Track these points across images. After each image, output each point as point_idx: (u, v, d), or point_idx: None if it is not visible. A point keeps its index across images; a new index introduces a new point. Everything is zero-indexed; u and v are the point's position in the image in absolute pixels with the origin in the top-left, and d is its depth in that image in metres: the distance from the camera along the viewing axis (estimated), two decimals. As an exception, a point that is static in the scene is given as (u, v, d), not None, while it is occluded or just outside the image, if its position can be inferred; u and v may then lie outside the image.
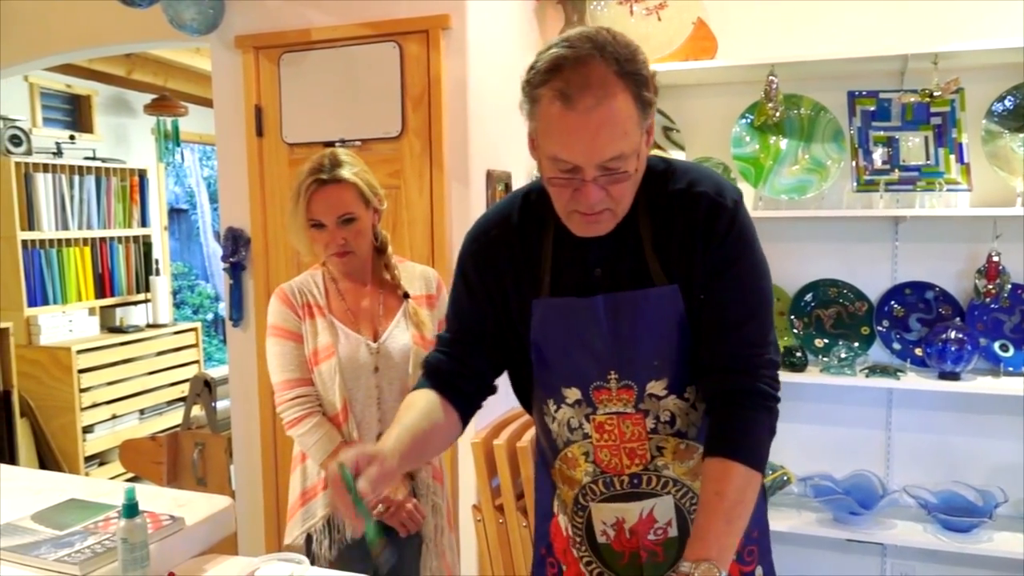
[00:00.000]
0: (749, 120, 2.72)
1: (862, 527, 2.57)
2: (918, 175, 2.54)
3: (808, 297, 2.78)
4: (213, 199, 7.72)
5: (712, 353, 1.23)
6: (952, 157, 2.52)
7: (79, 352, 4.34)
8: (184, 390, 4.42)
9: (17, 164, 4.27)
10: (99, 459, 4.52)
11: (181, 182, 7.85)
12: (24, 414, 4.28)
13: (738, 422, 1.21)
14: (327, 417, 1.85)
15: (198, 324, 5.32)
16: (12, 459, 4.06)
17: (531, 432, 2.48)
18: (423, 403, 1.32)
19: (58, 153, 4.62)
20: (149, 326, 4.99)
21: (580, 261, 1.26)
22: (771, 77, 2.56)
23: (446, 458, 2.43)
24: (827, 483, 2.68)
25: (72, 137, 4.82)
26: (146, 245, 5.13)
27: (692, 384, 1.27)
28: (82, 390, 4.36)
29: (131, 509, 1.33)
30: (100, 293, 4.80)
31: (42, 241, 4.44)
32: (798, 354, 2.66)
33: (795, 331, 2.78)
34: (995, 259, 2.49)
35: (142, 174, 5.09)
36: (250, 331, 2.77)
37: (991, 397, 2.58)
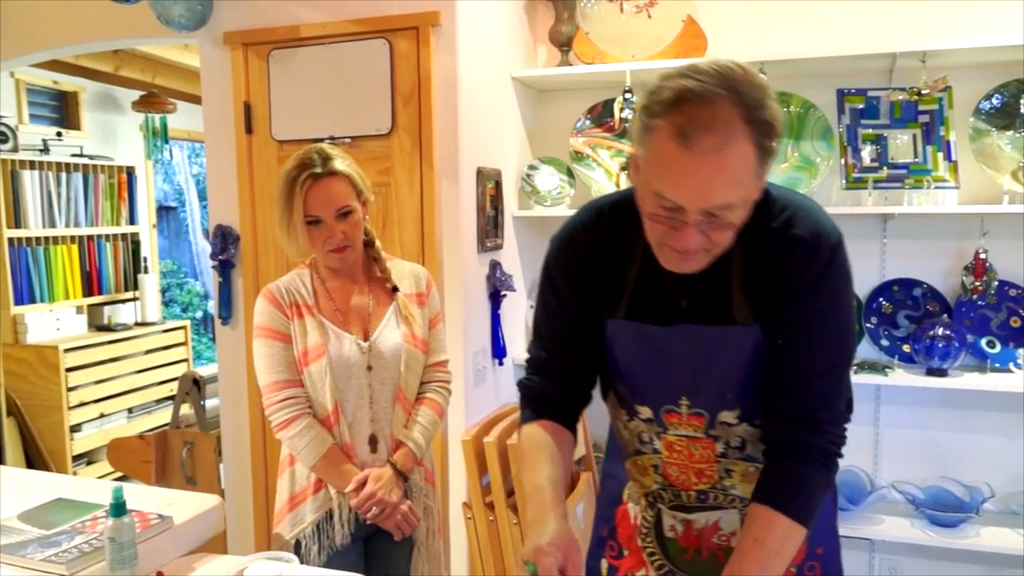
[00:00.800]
0: (739, 118, 2.72)
1: (850, 522, 2.58)
2: (906, 173, 2.55)
3: (797, 294, 2.79)
4: (202, 196, 7.68)
5: (781, 399, 1.20)
6: (940, 155, 2.53)
7: (66, 351, 4.32)
8: (173, 388, 4.40)
9: (3, 161, 4.23)
10: (87, 458, 4.49)
11: (170, 179, 7.81)
12: (11, 413, 4.25)
13: (793, 475, 1.18)
14: (317, 419, 1.81)
15: (187, 322, 5.30)
16: (-1, 458, 4.04)
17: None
18: (547, 446, 1.28)
19: (45, 150, 4.58)
20: (137, 324, 4.96)
21: (666, 289, 1.22)
22: (761, 75, 2.56)
23: (436, 456, 2.43)
24: (816, 479, 2.69)
25: (59, 134, 4.78)
26: (134, 243, 5.10)
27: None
28: (69, 389, 4.33)
29: (118, 508, 1.33)
30: (88, 291, 4.76)
31: (29, 239, 4.40)
32: (787, 351, 2.66)
33: (784, 328, 2.78)
34: (982, 256, 2.51)
35: (130, 171, 5.06)
36: (239, 329, 2.76)
37: (978, 393, 2.59)
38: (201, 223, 7.72)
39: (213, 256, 2.75)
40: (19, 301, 4.34)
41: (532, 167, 2.94)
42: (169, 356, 5.05)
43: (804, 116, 2.68)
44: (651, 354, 1.24)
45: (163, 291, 6.52)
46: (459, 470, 2.52)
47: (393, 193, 2.50)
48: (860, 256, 2.74)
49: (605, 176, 2.86)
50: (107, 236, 4.90)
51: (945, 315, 2.63)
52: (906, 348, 2.64)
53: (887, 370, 2.56)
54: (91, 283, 4.79)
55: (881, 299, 2.71)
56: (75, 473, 4.32)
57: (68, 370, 4.32)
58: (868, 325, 2.72)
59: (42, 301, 4.47)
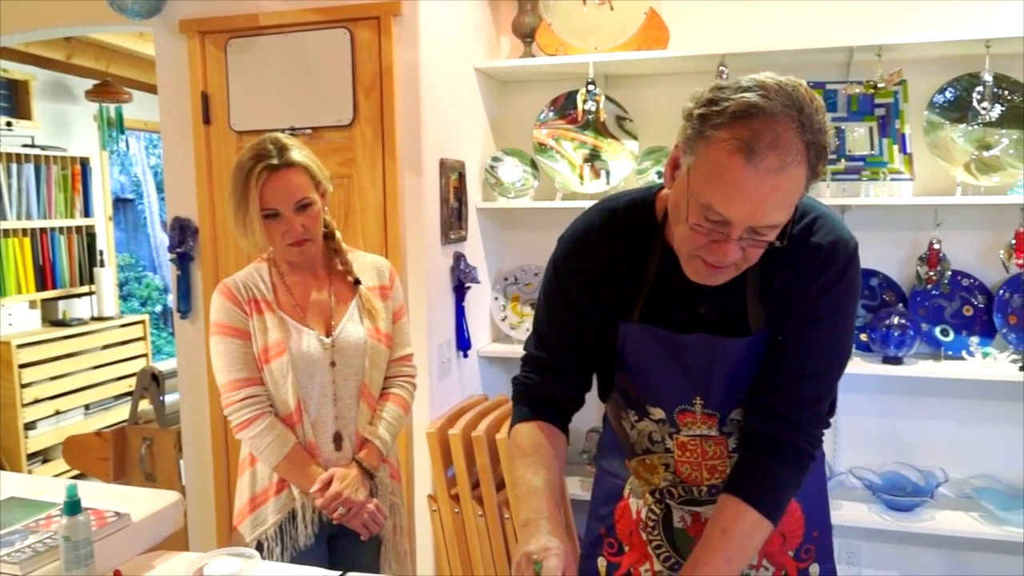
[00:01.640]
0: (700, 110, 2.75)
1: (810, 509, 2.63)
2: (863, 165, 2.59)
3: (758, 285, 2.83)
4: (160, 188, 7.53)
5: (770, 395, 1.21)
6: (895, 147, 2.58)
7: (19, 346, 4.21)
8: (131, 384, 4.31)
9: (-49, 152, 4.11)
10: (42, 456, 4.39)
11: (127, 171, 7.64)
12: (-38, 411, 4.14)
13: (768, 470, 1.20)
14: (279, 418, 1.76)
15: (145, 317, 5.20)
16: (-50, 458, 3.93)
17: (486, 421, 2.48)
18: (545, 448, 1.28)
19: (-6, 140, 4.45)
20: (94, 319, 4.86)
21: (684, 294, 1.21)
22: (721, 68, 2.58)
23: (401, 449, 2.42)
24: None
25: (9, 124, 4.64)
26: (90, 236, 4.98)
27: None
28: (23, 385, 4.23)
29: (73, 506, 1.30)
30: (41, 285, 4.65)
31: (-22, 232, 4.29)
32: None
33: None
34: (936, 247, 2.56)
35: (84, 162, 4.94)
36: (199, 323, 2.71)
37: (932, 380, 2.65)
38: (159, 215, 7.58)
39: (171, 249, 2.70)
40: (-31, 296, 4.23)
41: (496, 159, 2.93)
42: (127, 351, 4.95)
43: (764, 108, 2.70)
44: (667, 357, 1.24)
45: (120, 285, 6.39)
46: (424, 463, 2.52)
47: (355, 185, 2.48)
48: (819, 247, 2.77)
49: (568, 168, 2.87)
50: (61, 229, 4.78)
51: (901, 304, 2.68)
52: (863, 337, 2.69)
53: (845, 359, 2.61)
54: (44, 277, 4.67)
55: (839, 289, 2.75)
56: (30, 472, 4.22)
57: (21, 366, 4.22)
58: (827, 315, 2.76)
59: (-7, 296, 4.36)
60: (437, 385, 2.58)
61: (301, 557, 1.76)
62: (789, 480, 1.21)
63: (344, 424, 1.81)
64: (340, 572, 1.45)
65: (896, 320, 2.57)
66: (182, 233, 2.68)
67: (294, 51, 2.48)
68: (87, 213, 4.96)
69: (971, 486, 2.63)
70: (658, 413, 1.30)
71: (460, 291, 2.74)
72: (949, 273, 2.59)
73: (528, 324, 2.86)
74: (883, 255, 2.73)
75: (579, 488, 2.79)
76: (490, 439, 2.42)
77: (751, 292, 1.20)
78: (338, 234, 1.89)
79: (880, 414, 2.78)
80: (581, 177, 2.85)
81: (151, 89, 4.97)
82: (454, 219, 2.68)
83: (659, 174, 2.73)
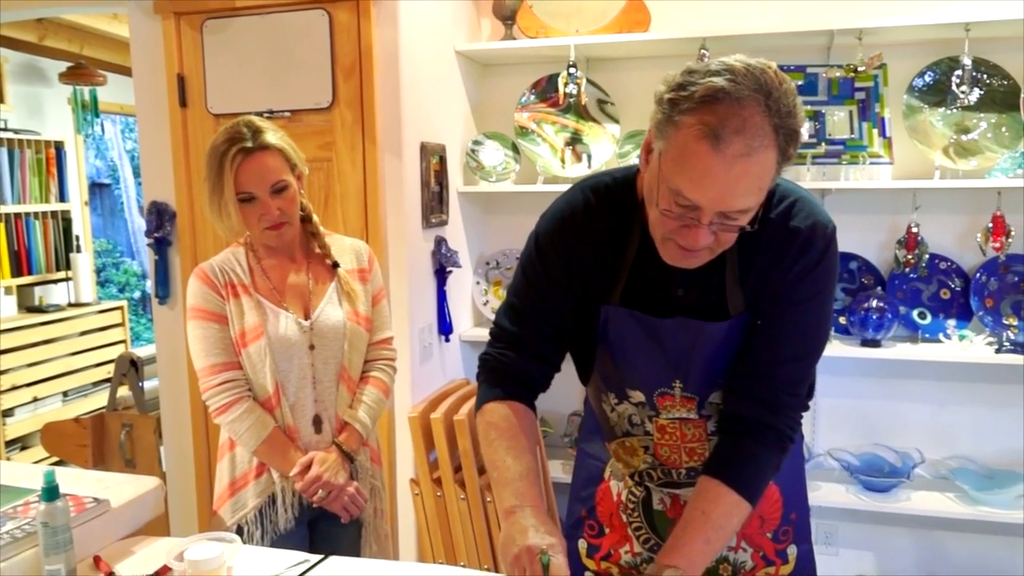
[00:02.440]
0: (681, 93, 2.74)
1: (789, 490, 2.66)
2: (843, 148, 2.61)
3: (738, 268, 2.84)
4: (137, 173, 7.43)
5: (750, 379, 1.22)
6: (875, 131, 2.59)
7: (-5, 333, 4.16)
8: (110, 371, 4.27)
9: (-79, 135, 4.03)
10: (21, 443, 4.35)
11: (103, 155, 7.53)
12: (-63, 399, 4.09)
13: (747, 452, 1.20)
14: (258, 402, 1.76)
15: (124, 302, 5.14)
16: (-75, 446, 3.88)
17: (468, 405, 2.48)
18: (525, 430, 1.26)
19: (-35, 124, 4.37)
20: (71, 305, 4.80)
21: (662, 277, 1.21)
22: (702, 51, 2.58)
23: (382, 433, 2.42)
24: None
25: (-19, 107, 4.57)
26: (65, 221, 4.91)
27: None
28: (0, 372, 4.18)
29: (51, 492, 1.29)
30: (16, 271, 4.58)
31: (-49, 217, 4.22)
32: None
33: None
34: (914, 230, 2.59)
35: (59, 146, 4.86)
36: (177, 308, 2.69)
37: (910, 363, 2.68)
38: (137, 200, 7.48)
39: (148, 233, 2.67)
40: (-58, 282, 4.17)
41: (477, 142, 2.92)
42: (105, 337, 4.90)
43: (745, 92, 2.70)
44: (647, 341, 1.24)
45: (98, 271, 6.31)
46: (406, 447, 2.52)
47: (335, 169, 2.46)
48: (799, 230, 2.79)
49: (550, 151, 2.86)
50: (36, 214, 4.71)
51: (879, 288, 2.71)
52: (842, 320, 2.72)
53: (824, 341, 2.63)
54: (20, 263, 4.60)
55: (819, 272, 2.77)
56: (8, 459, 4.17)
57: (-3, 353, 4.17)
58: (806, 298, 2.78)
59: (-33, 282, 4.29)
60: (419, 369, 2.57)
61: (281, 541, 1.76)
62: (768, 462, 1.22)
63: (324, 408, 1.81)
64: (321, 555, 1.45)
65: (874, 303, 2.59)
66: (159, 218, 2.65)
67: (272, 32, 2.45)
68: (62, 198, 4.88)
69: (947, 467, 2.67)
70: (638, 396, 1.30)
71: (441, 275, 2.73)
72: (927, 257, 2.62)
73: (510, 308, 2.85)
74: (862, 239, 2.75)
75: (561, 471, 2.80)
76: (472, 423, 2.42)
77: (730, 276, 1.20)
78: (315, 217, 1.87)
79: (858, 396, 2.81)
80: (563, 161, 2.84)
81: (126, 71, 4.90)
82: (435, 203, 2.66)
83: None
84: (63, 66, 4.75)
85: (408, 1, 2.43)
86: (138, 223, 7.46)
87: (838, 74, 2.59)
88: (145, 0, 2.57)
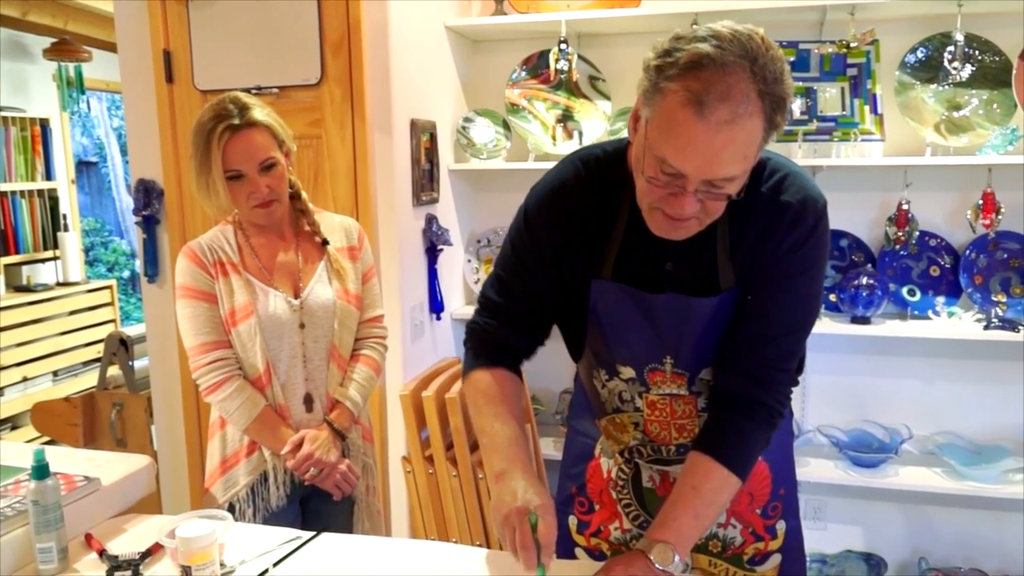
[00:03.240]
0: (673, 70, 2.73)
1: (778, 466, 2.68)
2: (834, 125, 2.60)
3: (729, 246, 2.84)
4: (124, 151, 7.36)
5: (740, 355, 1.21)
6: (867, 108, 2.58)
7: (-17, 312, 4.14)
8: (100, 351, 4.26)
9: (-97, 112, 3.98)
10: (11, 423, 4.34)
11: (89, 133, 7.45)
12: (-75, 379, 4.07)
13: (737, 428, 1.20)
14: (248, 380, 1.75)
15: (112, 282, 5.12)
16: (-86, 426, 3.87)
17: (460, 383, 2.48)
18: (511, 397, 1.28)
19: (-52, 101, 4.32)
20: (59, 284, 4.77)
21: (652, 250, 1.20)
22: (694, 26, 2.55)
23: (374, 411, 2.42)
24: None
25: (-36, 83, 4.50)
26: (52, 199, 4.87)
27: None
28: (-11, 352, 4.17)
29: (41, 470, 1.29)
30: (3, 250, 4.55)
31: (-65, 195, 4.17)
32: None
33: (717, 279, 2.84)
34: (905, 207, 2.59)
35: (44, 124, 4.81)
36: (166, 287, 2.67)
37: (899, 340, 2.70)
38: (124, 179, 7.42)
39: (136, 212, 2.64)
40: (-72, 262, 4.13)
41: (467, 119, 2.90)
42: (95, 317, 4.88)
43: (737, 68, 2.69)
44: (638, 316, 1.24)
45: (86, 250, 6.27)
46: (398, 425, 2.52)
47: (324, 146, 2.44)
48: (790, 208, 2.79)
49: (541, 128, 2.84)
50: (22, 192, 4.67)
51: (869, 265, 2.72)
52: (832, 297, 2.73)
53: (814, 319, 2.64)
54: (7, 242, 4.57)
55: (809, 250, 2.78)
56: (-2, 439, 4.18)
57: (-15, 333, 4.15)
58: (797, 275, 2.78)
59: (-47, 261, 4.26)
60: (410, 347, 2.57)
61: (274, 518, 1.76)
62: (757, 438, 1.22)
63: (314, 386, 1.80)
64: (313, 532, 1.46)
65: (864, 280, 2.60)
66: (147, 196, 2.62)
67: (259, 7, 2.41)
68: (49, 176, 4.84)
69: (934, 442, 2.69)
70: (628, 372, 1.30)
71: (432, 253, 2.72)
72: (917, 234, 2.62)
73: (501, 286, 2.85)
74: (853, 216, 2.75)
75: (552, 448, 2.81)
76: (464, 401, 2.43)
77: (721, 250, 1.19)
78: (304, 194, 1.86)
79: (848, 373, 2.83)
80: (554, 138, 2.82)
81: (111, 47, 4.83)
82: (425, 181, 2.65)
83: (632, 135, 2.71)
84: (47, 42, 4.68)
85: (397, -25, 2.40)
86: (126, 202, 7.39)
87: (830, 50, 2.58)
88: (129, -26, 2.53)
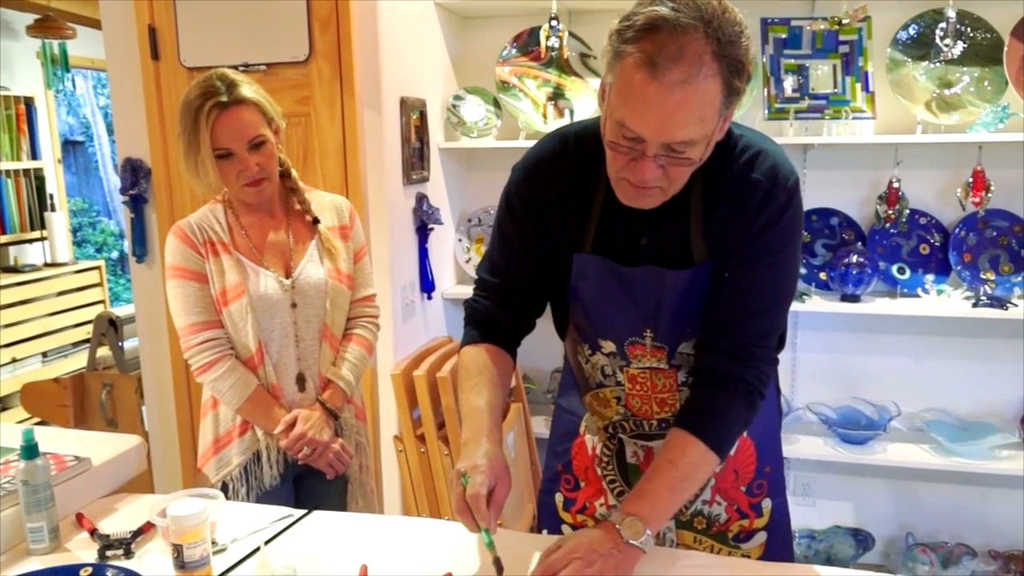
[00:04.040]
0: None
1: (768, 443, 2.70)
2: (826, 103, 2.60)
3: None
4: (111, 130, 7.28)
5: (720, 332, 1.22)
6: (858, 86, 2.58)
7: (-30, 293, 4.11)
8: (89, 331, 4.24)
9: None
10: (1, 404, 4.32)
11: (75, 112, 7.36)
12: (-87, 360, 4.04)
13: (717, 405, 1.21)
14: (240, 360, 1.74)
15: (101, 262, 5.08)
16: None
17: (451, 362, 2.48)
18: (489, 369, 1.29)
19: (-69, 79, 4.25)
20: (47, 265, 4.74)
21: (627, 225, 1.22)
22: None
23: (366, 391, 2.42)
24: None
25: (-53, 61, 4.44)
26: (38, 179, 4.82)
27: None
28: (-24, 333, 4.15)
29: (30, 450, 1.28)
30: (-12, 231, 4.52)
31: (-81, 175, 4.12)
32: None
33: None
34: (895, 185, 2.59)
35: (29, 102, 4.75)
36: (155, 267, 2.65)
37: (888, 317, 2.72)
38: (112, 159, 7.35)
39: (123, 191, 2.62)
40: (-87, 242, 4.09)
41: (458, 97, 2.87)
42: (84, 298, 4.86)
43: (729, 46, 2.67)
44: (618, 289, 1.25)
45: (74, 231, 6.22)
46: (389, 404, 2.52)
47: (313, 124, 2.41)
48: (781, 186, 2.79)
49: (532, 106, 2.82)
50: (7, 172, 4.62)
51: (860, 243, 2.72)
52: (823, 276, 2.74)
53: (804, 297, 2.65)
54: (-8, 222, 4.53)
55: (800, 228, 2.78)
56: (-12, 420, 4.16)
57: (-27, 314, 4.13)
58: (787, 254, 2.79)
59: (-61, 242, 4.22)
60: (401, 327, 2.57)
61: (267, 497, 1.76)
62: (737, 415, 1.23)
63: (307, 366, 1.80)
64: (305, 510, 1.46)
65: (854, 259, 2.61)
66: (134, 175, 2.60)
67: (246, -17, 2.38)
68: (34, 156, 4.79)
69: (922, 419, 2.72)
70: (609, 346, 1.31)
71: (423, 232, 2.71)
72: (907, 212, 2.63)
73: (492, 265, 2.85)
74: (844, 194, 2.75)
75: (543, 427, 2.82)
76: (455, 380, 2.43)
77: (694, 226, 1.20)
78: (294, 172, 1.84)
79: (837, 351, 2.85)
80: (545, 116, 2.81)
81: (96, 24, 4.76)
82: (416, 159, 2.63)
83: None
84: (30, 18, 4.61)
85: (386, -50, 2.37)
86: (114, 182, 7.33)
87: (822, 27, 2.57)
88: (113, -52, 2.48)
